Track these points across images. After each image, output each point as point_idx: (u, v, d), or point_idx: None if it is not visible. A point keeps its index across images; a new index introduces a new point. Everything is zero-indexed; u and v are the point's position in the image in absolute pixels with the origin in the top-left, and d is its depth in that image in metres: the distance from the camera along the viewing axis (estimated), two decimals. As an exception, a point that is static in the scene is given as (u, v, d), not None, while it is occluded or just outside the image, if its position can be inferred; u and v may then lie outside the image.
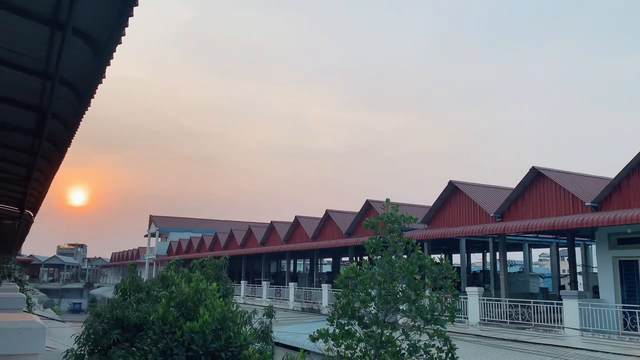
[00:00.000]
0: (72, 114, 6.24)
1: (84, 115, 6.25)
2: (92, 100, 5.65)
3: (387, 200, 10.03)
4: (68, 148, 7.68)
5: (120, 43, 4.25)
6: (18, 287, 12.13)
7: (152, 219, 66.32)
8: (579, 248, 28.88)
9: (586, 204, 17.74)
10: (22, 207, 14.45)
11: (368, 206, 28.53)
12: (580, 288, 24.39)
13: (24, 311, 7.43)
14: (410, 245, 9.47)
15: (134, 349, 11.57)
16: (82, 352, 15.39)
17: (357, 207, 30.09)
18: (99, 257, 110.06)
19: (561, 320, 16.34)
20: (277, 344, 20.33)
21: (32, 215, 17.16)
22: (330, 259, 47.69)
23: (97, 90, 5.44)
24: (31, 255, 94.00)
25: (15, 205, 14.65)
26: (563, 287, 25.95)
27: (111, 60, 4.64)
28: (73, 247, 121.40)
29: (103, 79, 5.06)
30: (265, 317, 19.32)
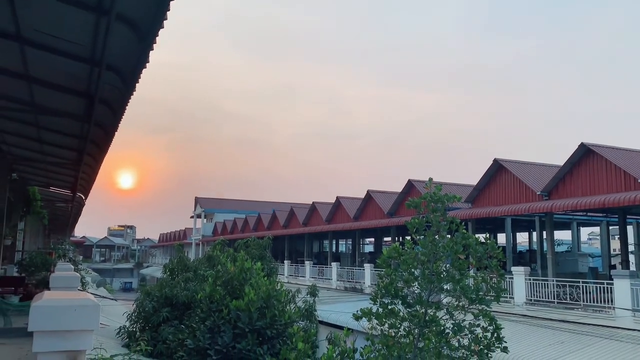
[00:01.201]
0: (118, 99, 6.41)
1: (129, 100, 6.41)
2: (137, 84, 5.78)
3: (430, 179, 9.89)
4: (115, 132, 7.91)
5: (163, 27, 4.31)
6: (72, 266, 12.66)
7: (198, 201, 67.81)
8: (631, 226, 27.87)
9: (638, 180, 17.04)
10: (74, 190, 15.03)
11: (410, 186, 28.28)
12: (633, 267, 23.60)
13: (78, 289, 7.76)
14: (454, 225, 9.34)
15: (182, 326, 11.97)
16: (134, 329, 16.02)
17: (398, 187, 29.92)
18: (148, 238, 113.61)
19: (612, 301, 15.88)
20: (321, 322, 20.61)
21: (84, 198, 17.85)
22: (372, 239, 47.69)
23: (141, 75, 5.54)
24: (84, 237, 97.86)
25: (68, 188, 15.26)
26: (614, 267, 25.18)
27: (154, 45, 4.72)
28: (123, 228, 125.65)
29: (147, 64, 5.15)
30: (308, 296, 19.60)
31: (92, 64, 5.44)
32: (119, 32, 4.54)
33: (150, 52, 4.88)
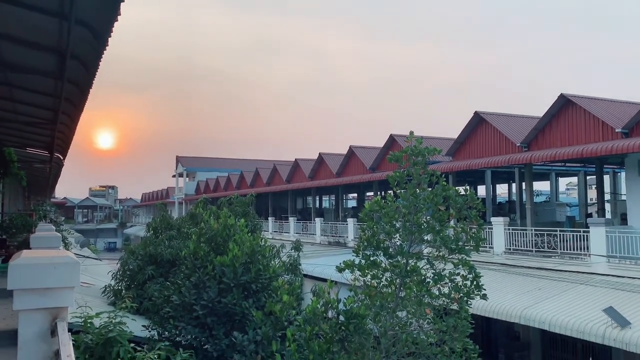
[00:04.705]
0: (91, 55, 6.22)
1: (102, 55, 6.23)
2: (109, 39, 5.61)
3: (411, 133, 9.91)
4: (90, 89, 7.72)
5: (132, -23, 4.15)
6: (54, 227, 12.57)
7: (179, 159, 67.24)
8: (608, 176, 28.43)
9: (616, 130, 17.26)
10: (52, 151, 14.77)
11: (392, 140, 28.31)
12: (608, 216, 24.21)
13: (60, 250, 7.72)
14: (435, 178, 9.43)
15: (168, 283, 12.07)
16: (120, 288, 16.14)
17: (381, 142, 29.95)
18: (130, 198, 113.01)
19: (587, 248, 16.34)
20: (305, 275, 20.94)
21: (62, 158, 17.56)
22: (355, 195, 48.04)
23: (113, 29, 5.37)
24: (65, 198, 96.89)
25: (45, 149, 14.98)
26: (590, 215, 25.81)
27: (125, -3, 4.56)
28: (104, 188, 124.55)
29: (118, 17, 4.99)
30: (293, 250, 19.84)
31: (60, 18, 5.24)
32: (87, -17, 4.37)
33: (122, 4, 4.71)
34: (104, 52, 6.06)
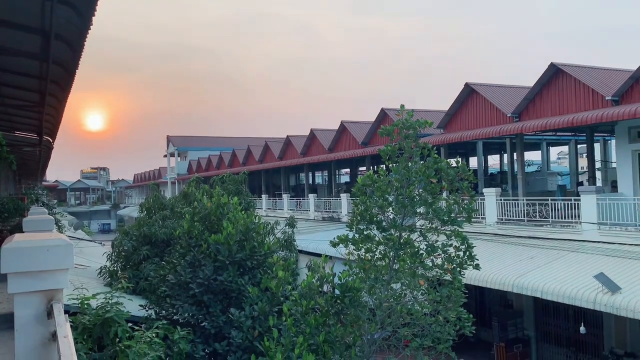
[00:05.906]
0: (75, 34, 6.12)
1: (87, 35, 6.13)
2: (93, 18, 5.51)
3: (402, 106, 9.89)
4: (76, 70, 7.62)
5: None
6: (46, 210, 12.53)
7: (170, 139, 66.81)
8: (598, 144, 28.58)
9: (606, 98, 17.29)
10: (40, 134, 14.63)
11: (383, 114, 28.24)
12: (599, 183, 24.41)
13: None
14: (426, 150, 9.45)
15: (163, 262, 12.11)
16: (115, 269, 16.19)
17: (372, 117, 29.87)
18: (122, 179, 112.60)
19: (579, 216, 16.51)
20: (300, 251, 21.07)
21: (51, 141, 17.39)
22: (348, 170, 48.06)
23: (97, 8, 5.28)
24: (56, 181, 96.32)
25: (33, 132, 14.83)
26: (581, 184, 26.02)
27: (107, -26, 4.47)
28: (96, 170, 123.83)
29: (101, -5, 4.90)
30: (287, 227, 19.91)
31: (42, -3, 5.15)
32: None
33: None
34: (89, 31, 5.97)
